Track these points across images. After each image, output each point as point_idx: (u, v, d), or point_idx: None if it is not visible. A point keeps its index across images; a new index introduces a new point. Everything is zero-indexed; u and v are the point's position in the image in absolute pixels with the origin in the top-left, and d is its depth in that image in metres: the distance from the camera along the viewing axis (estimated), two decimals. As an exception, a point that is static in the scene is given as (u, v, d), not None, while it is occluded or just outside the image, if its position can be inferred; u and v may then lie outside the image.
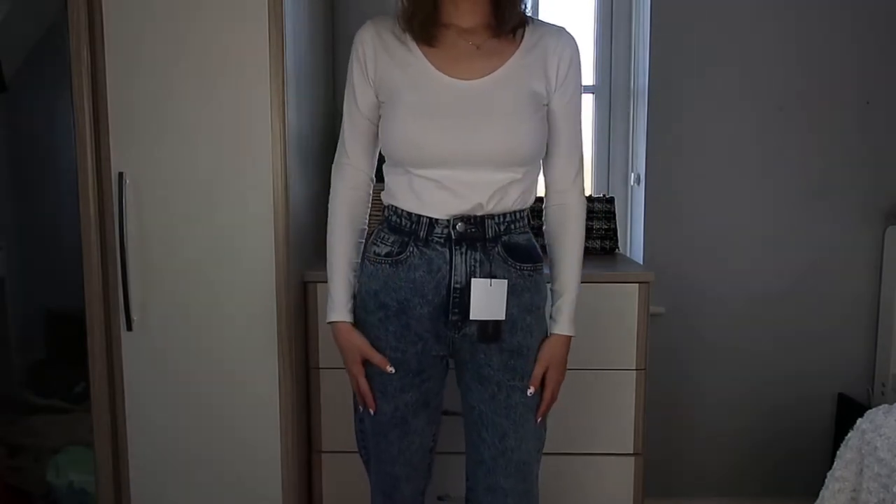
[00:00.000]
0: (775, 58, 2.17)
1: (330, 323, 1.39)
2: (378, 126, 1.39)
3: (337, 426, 1.80)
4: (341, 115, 1.45)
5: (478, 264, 1.31)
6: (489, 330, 1.31)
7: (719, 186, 2.21)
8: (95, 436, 1.69)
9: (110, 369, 1.68)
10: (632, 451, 1.81)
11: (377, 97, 1.37)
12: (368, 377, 1.38)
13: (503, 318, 1.31)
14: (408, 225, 1.33)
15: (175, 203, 1.62)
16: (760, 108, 2.19)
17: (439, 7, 1.32)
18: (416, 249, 1.32)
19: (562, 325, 1.38)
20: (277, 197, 1.61)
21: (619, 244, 2.18)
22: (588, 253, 2.05)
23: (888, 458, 1.53)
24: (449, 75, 1.30)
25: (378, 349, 1.35)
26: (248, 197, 1.61)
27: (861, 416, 1.69)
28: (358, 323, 1.39)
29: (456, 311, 1.32)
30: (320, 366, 1.79)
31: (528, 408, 1.36)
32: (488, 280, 1.30)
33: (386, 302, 1.34)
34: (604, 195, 2.15)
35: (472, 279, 1.30)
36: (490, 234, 1.32)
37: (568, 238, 1.41)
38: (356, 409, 1.47)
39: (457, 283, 1.31)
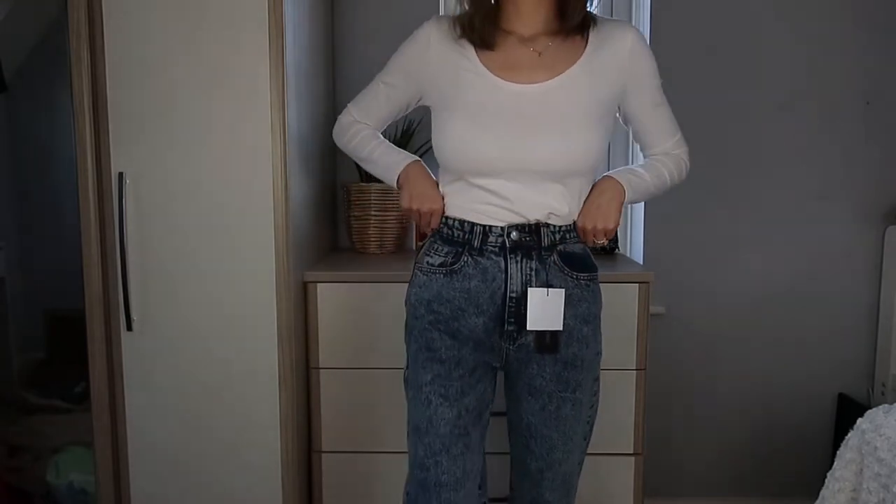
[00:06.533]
0: (775, 58, 2.16)
1: (404, 170, 1.35)
2: (397, 113, 1.42)
3: (337, 426, 1.80)
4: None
5: (533, 273, 1.27)
6: (547, 340, 1.28)
7: (719, 186, 2.21)
8: (95, 436, 1.69)
9: (110, 369, 1.68)
10: (632, 451, 1.81)
11: (420, 97, 1.37)
12: (428, 382, 1.30)
13: (561, 328, 1.27)
14: (460, 235, 1.30)
15: (175, 203, 1.62)
16: (760, 108, 2.18)
17: (500, 12, 1.28)
18: (470, 259, 1.28)
19: (615, 172, 1.34)
20: (277, 197, 1.61)
21: (619, 244, 2.18)
22: (588, 253, 2.06)
23: (888, 458, 1.53)
24: (506, 80, 1.25)
25: (433, 350, 1.31)
26: (248, 197, 1.61)
27: (861, 416, 1.69)
28: (410, 332, 1.35)
29: (511, 320, 1.28)
30: (320, 366, 1.79)
31: (577, 420, 1.34)
32: (545, 289, 1.26)
33: (439, 310, 1.30)
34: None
35: (529, 288, 1.26)
36: (546, 242, 1.28)
37: (658, 158, 1.40)
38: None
39: (512, 292, 1.27)
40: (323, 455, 1.83)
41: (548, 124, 1.23)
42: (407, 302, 1.37)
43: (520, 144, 1.23)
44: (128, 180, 1.61)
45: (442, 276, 1.30)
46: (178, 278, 1.64)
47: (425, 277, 1.32)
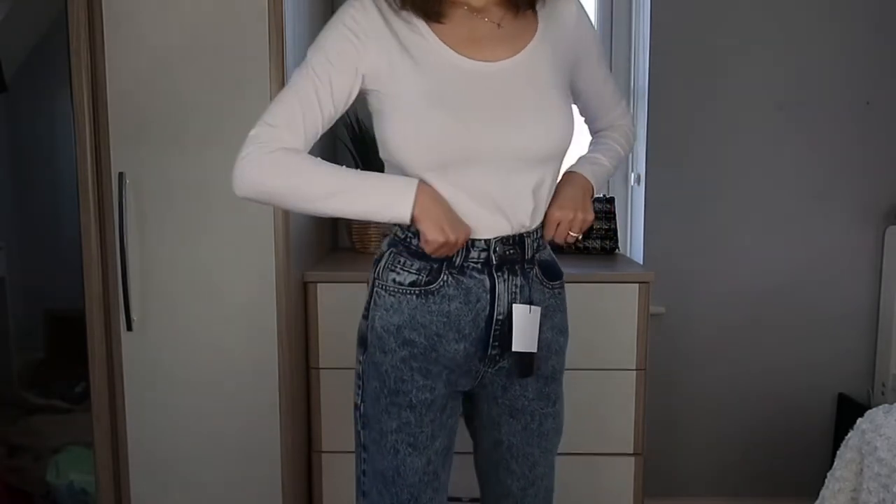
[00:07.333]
0: (775, 58, 2.16)
1: (418, 195, 1.05)
2: (334, 115, 1.12)
3: (337, 426, 1.81)
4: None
5: (518, 290, 1.14)
6: (527, 362, 1.17)
7: (719, 186, 2.21)
8: (95, 436, 1.69)
9: (110, 369, 1.68)
10: (632, 451, 1.81)
11: (361, 86, 1.11)
12: (394, 430, 1.16)
13: (536, 350, 1.17)
14: None
15: (175, 203, 1.62)
16: (760, 109, 2.18)
17: None
18: (450, 278, 1.12)
19: (577, 166, 1.24)
20: (277, 197, 1.61)
21: (619, 244, 2.18)
22: (588, 253, 2.06)
23: (888, 458, 1.53)
24: (470, 58, 1.09)
25: (401, 393, 1.14)
26: (248, 197, 1.61)
27: (861, 416, 1.69)
28: (374, 366, 1.16)
29: (496, 343, 1.15)
30: (320, 366, 1.79)
31: (556, 432, 1.28)
32: (528, 306, 1.14)
33: (412, 338, 1.13)
34: (604, 195, 2.16)
35: (514, 306, 1.13)
36: (529, 253, 1.15)
37: (608, 135, 1.31)
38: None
39: (499, 314, 1.13)
40: (323, 455, 1.83)
41: (523, 105, 1.11)
42: (370, 328, 1.16)
43: (496, 129, 1.08)
44: (128, 180, 1.61)
45: (415, 297, 1.12)
46: (178, 278, 1.64)
47: (393, 298, 1.13)
